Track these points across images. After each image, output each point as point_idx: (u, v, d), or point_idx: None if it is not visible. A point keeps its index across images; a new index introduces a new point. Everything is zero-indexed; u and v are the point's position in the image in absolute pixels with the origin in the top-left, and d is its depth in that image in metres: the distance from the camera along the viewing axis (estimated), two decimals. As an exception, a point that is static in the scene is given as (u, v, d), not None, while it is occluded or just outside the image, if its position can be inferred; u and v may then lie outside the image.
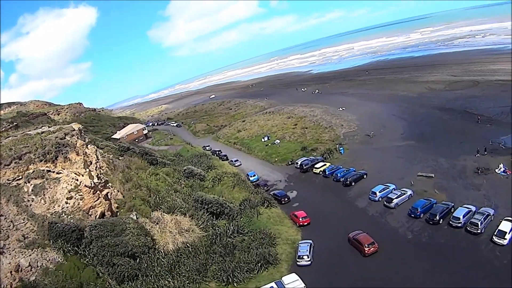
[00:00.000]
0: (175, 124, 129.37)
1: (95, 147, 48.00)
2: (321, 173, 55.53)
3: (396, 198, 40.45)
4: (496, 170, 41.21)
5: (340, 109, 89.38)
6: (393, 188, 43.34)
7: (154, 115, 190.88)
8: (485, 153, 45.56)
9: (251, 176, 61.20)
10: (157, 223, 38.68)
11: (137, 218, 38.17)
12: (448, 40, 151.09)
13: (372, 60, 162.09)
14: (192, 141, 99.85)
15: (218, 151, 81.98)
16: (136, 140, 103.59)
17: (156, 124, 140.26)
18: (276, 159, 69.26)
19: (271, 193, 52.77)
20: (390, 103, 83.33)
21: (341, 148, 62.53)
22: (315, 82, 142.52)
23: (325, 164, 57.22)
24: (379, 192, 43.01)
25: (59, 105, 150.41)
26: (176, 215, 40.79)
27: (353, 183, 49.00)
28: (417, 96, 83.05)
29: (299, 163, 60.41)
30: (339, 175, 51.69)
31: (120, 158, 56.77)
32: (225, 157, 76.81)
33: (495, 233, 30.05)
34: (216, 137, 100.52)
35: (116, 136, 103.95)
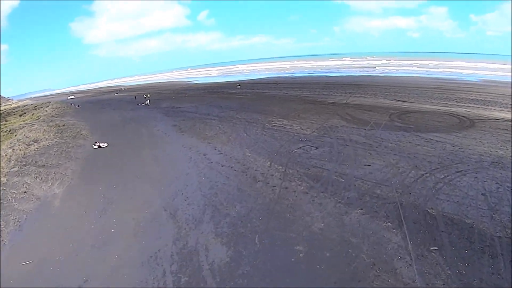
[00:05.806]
0: None
1: None
2: None
3: None
4: None
5: (96, 146, 25.98)
6: None
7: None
8: None
9: None
10: None
11: None
12: (374, 66, 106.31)
13: (266, 76, 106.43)
14: None
15: None
16: None
17: None
18: None
19: None
20: (234, 143, 23.16)
21: None
22: (174, 92, 78.53)
23: None
24: None
25: None
26: None
27: None
28: (312, 135, 22.97)
29: None
30: None
31: None
32: None
33: None
34: None
35: None
